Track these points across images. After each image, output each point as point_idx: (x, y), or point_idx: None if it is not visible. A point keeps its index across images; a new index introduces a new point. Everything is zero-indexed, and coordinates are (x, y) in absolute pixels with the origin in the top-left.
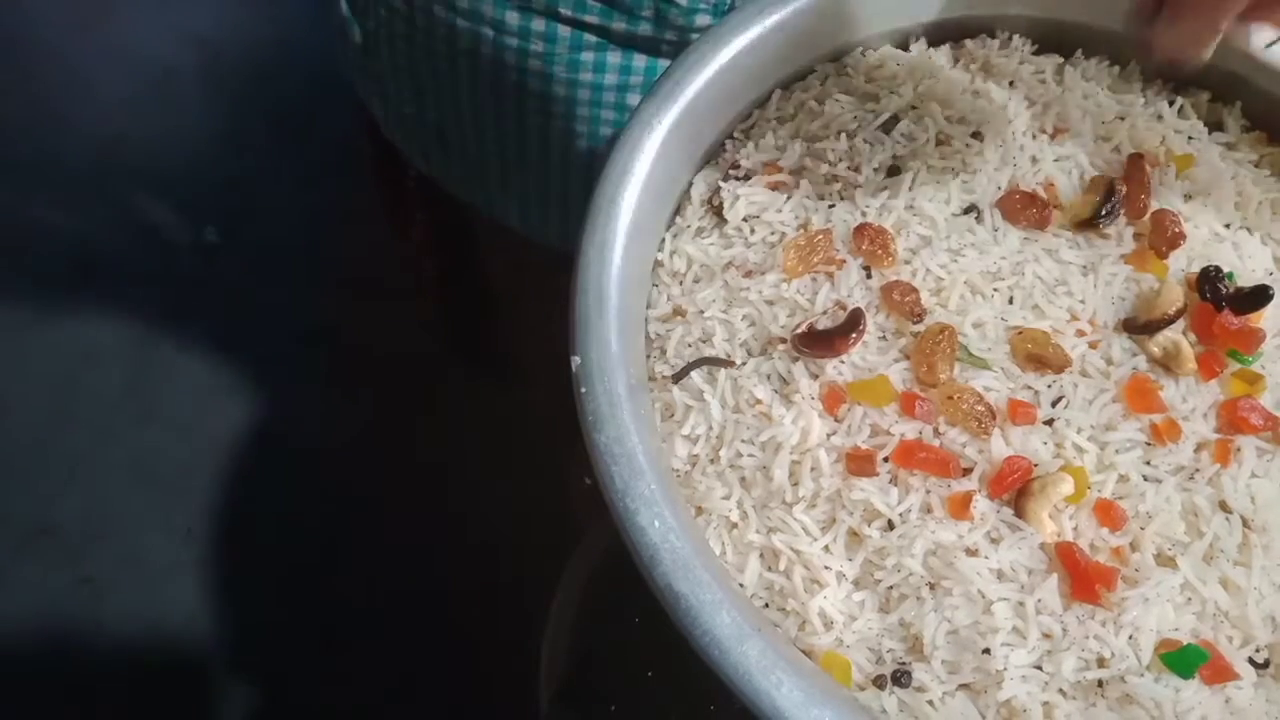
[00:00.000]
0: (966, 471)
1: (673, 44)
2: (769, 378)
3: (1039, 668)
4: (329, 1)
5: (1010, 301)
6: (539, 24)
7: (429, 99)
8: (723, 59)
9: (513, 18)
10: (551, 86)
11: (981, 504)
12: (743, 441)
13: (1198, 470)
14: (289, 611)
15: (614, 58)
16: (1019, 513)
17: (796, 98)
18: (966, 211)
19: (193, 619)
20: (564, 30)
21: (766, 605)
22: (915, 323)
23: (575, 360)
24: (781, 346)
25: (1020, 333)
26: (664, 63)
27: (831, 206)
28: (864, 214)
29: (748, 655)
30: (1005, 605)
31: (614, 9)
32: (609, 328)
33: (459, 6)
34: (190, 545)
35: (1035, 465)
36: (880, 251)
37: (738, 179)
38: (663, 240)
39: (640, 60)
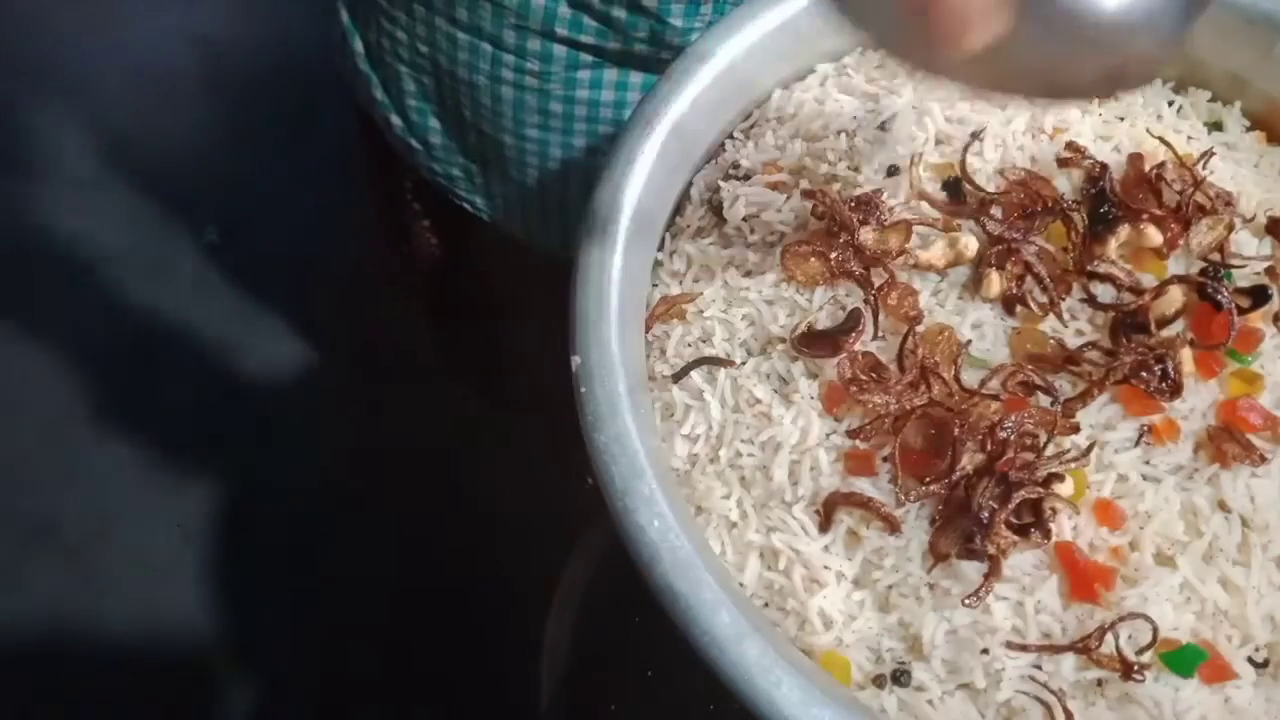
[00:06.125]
0: None
1: (669, 62)
2: (769, 377)
3: (1038, 667)
4: (330, 10)
5: None
6: (535, 43)
7: (430, 107)
8: (722, 59)
9: (510, 35)
10: (549, 103)
11: None
12: (742, 441)
13: (1196, 470)
14: (289, 611)
15: (610, 74)
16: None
17: (796, 97)
18: None
19: (193, 619)
20: (560, 50)
21: (766, 605)
22: (912, 325)
23: (575, 360)
24: (781, 346)
25: (1020, 332)
26: None
27: None
28: None
29: (747, 654)
30: (1004, 605)
31: (609, 29)
32: (609, 328)
33: (459, 20)
34: (190, 544)
35: None
36: None
37: (737, 179)
38: (663, 240)
39: (637, 77)
